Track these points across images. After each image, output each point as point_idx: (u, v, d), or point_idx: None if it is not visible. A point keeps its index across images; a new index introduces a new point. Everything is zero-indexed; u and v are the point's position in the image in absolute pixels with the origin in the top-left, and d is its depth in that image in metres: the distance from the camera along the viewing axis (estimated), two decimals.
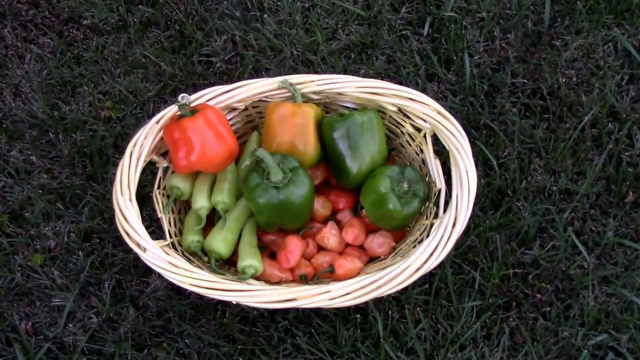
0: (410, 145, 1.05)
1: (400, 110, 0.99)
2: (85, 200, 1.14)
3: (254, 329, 1.04)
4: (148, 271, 1.08)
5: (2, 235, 1.13)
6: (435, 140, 0.98)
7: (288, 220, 0.98)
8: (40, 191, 1.16)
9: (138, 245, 0.86)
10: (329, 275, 1.01)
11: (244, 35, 1.30)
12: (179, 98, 0.93)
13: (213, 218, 1.05)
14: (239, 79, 1.22)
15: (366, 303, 1.03)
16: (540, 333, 1.02)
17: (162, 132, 0.95)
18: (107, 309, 1.06)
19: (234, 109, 1.03)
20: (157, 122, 0.96)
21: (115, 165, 1.17)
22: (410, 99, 0.95)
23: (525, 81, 1.24)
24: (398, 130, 1.05)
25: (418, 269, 0.84)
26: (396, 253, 1.02)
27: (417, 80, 1.24)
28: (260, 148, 0.95)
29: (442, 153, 1.06)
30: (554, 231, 1.10)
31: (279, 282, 1.01)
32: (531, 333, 1.03)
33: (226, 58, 1.29)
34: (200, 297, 1.04)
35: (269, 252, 1.05)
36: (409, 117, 0.99)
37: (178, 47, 1.31)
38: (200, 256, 1.01)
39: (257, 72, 1.27)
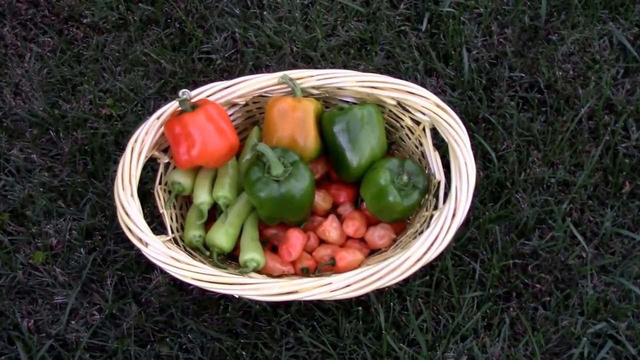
0: (409, 138, 1.06)
1: (399, 103, 1.00)
2: (86, 198, 1.15)
3: (256, 323, 1.04)
4: (150, 267, 1.08)
5: (4, 233, 1.13)
6: (435, 133, 0.99)
7: (289, 214, 0.98)
8: (41, 189, 1.16)
9: (140, 240, 0.87)
10: (331, 267, 1.01)
11: (243, 32, 1.31)
12: (180, 93, 0.93)
13: (214, 213, 1.06)
14: (239, 76, 1.22)
15: (368, 295, 1.04)
16: (540, 322, 1.03)
17: (162, 128, 0.96)
18: (110, 306, 1.06)
19: (234, 105, 1.04)
20: (158, 118, 0.96)
21: (116, 162, 1.17)
22: (410, 92, 0.96)
23: (523, 75, 1.25)
24: (397, 124, 1.06)
25: (418, 260, 0.85)
26: (397, 245, 1.03)
27: (416, 75, 1.25)
28: (261, 142, 0.96)
29: (441, 146, 1.06)
30: (552, 222, 1.11)
31: (280, 276, 1.01)
32: (531, 323, 1.03)
33: (226, 55, 1.29)
34: (203, 292, 1.05)
35: (270, 245, 1.05)
36: (408, 111, 1.00)
37: (178, 45, 1.32)
38: (202, 251, 1.02)
39: (257, 69, 1.27)
